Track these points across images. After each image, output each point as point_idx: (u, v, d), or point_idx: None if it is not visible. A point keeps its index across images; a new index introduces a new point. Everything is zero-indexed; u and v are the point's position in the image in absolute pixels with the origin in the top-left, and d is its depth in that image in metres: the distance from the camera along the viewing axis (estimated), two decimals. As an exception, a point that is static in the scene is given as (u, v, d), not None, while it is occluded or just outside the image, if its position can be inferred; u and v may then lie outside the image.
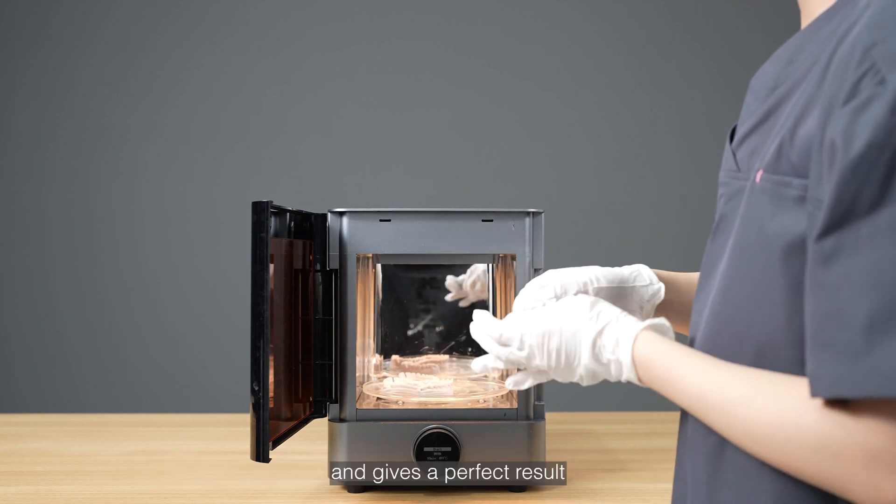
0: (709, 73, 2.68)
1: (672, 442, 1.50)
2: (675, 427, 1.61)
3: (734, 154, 0.79)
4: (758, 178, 0.71)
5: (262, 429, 1.02)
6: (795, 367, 0.67)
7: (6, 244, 2.70)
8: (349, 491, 1.19)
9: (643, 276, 0.97)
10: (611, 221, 2.69)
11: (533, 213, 1.21)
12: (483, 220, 1.21)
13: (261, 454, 1.02)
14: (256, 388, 1.03)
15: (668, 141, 2.68)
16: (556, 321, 0.85)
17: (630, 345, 0.79)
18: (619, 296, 0.97)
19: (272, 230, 1.12)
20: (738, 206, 0.75)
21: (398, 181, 2.68)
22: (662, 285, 0.98)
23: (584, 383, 0.85)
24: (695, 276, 1.08)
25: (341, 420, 1.19)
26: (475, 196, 2.67)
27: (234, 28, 2.69)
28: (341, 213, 1.22)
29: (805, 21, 0.78)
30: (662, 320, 0.82)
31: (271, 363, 1.09)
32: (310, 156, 2.68)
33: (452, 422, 1.18)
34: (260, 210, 1.08)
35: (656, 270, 1.01)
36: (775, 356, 0.69)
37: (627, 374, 0.80)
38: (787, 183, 0.67)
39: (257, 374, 1.04)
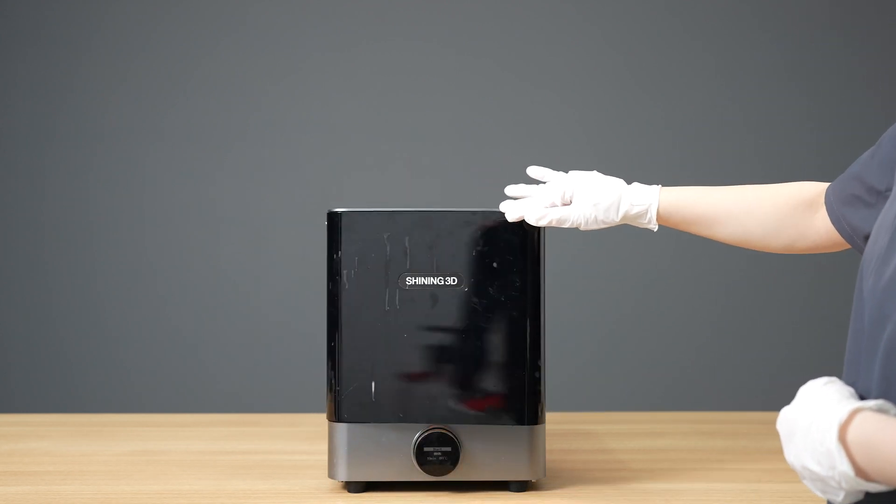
0: (709, 73, 2.68)
1: (673, 442, 1.49)
2: (676, 427, 1.61)
3: None
4: None
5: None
6: None
7: (6, 244, 2.70)
8: (349, 491, 1.19)
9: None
10: (611, 221, 2.69)
11: (533, 213, 1.21)
12: (483, 220, 1.22)
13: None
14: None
15: (668, 141, 2.68)
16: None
17: (836, 429, 0.68)
18: None
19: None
20: None
21: (398, 181, 2.68)
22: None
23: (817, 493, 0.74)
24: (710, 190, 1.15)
25: (341, 420, 1.19)
26: (475, 196, 2.67)
27: (233, 28, 2.69)
28: (341, 213, 1.22)
29: None
30: (882, 402, 0.71)
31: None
32: (310, 156, 2.67)
33: (452, 422, 1.18)
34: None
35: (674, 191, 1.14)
36: None
37: (841, 467, 0.68)
38: None
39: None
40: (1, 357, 2.70)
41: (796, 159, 2.62)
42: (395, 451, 1.18)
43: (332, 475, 1.19)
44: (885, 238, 0.79)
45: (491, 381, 1.19)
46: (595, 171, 1.18)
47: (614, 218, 1.14)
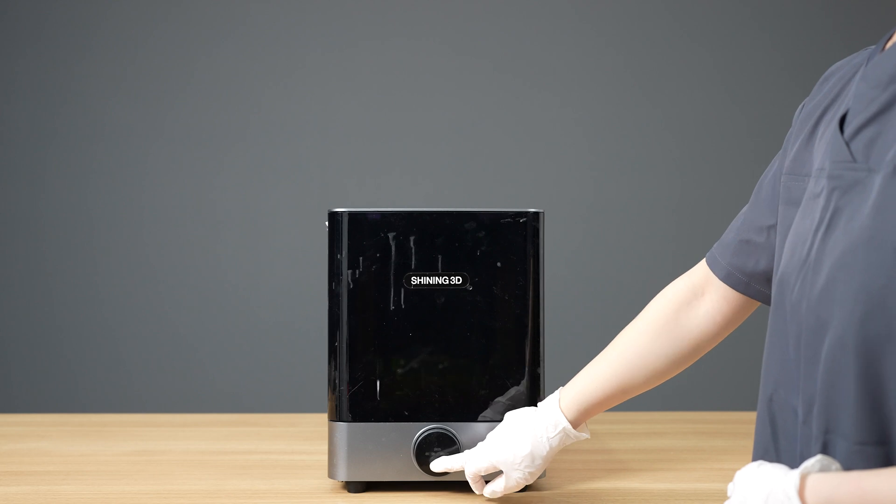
0: (708, 73, 2.68)
1: (673, 442, 1.49)
2: (676, 427, 1.61)
3: (848, 144, 0.78)
4: None
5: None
6: None
7: (6, 244, 2.70)
8: (349, 491, 1.19)
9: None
10: (611, 221, 2.69)
11: (533, 213, 1.21)
12: (483, 220, 1.22)
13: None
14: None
15: (667, 141, 2.68)
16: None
17: (796, 497, 0.69)
18: None
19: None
20: (859, 197, 0.74)
21: (398, 181, 2.68)
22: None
23: None
24: (608, 364, 1.14)
25: (341, 420, 1.19)
26: (475, 196, 2.67)
27: (233, 28, 2.69)
28: (344, 213, 1.22)
29: None
30: (821, 458, 0.73)
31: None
32: (310, 156, 2.67)
33: (452, 422, 1.19)
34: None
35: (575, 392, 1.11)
36: None
37: None
38: None
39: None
40: (1, 357, 2.70)
41: (796, 159, 2.62)
42: (395, 451, 1.18)
43: (332, 475, 1.19)
44: (805, 249, 0.79)
45: (493, 379, 1.19)
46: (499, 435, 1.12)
47: (541, 464, 1.09)
